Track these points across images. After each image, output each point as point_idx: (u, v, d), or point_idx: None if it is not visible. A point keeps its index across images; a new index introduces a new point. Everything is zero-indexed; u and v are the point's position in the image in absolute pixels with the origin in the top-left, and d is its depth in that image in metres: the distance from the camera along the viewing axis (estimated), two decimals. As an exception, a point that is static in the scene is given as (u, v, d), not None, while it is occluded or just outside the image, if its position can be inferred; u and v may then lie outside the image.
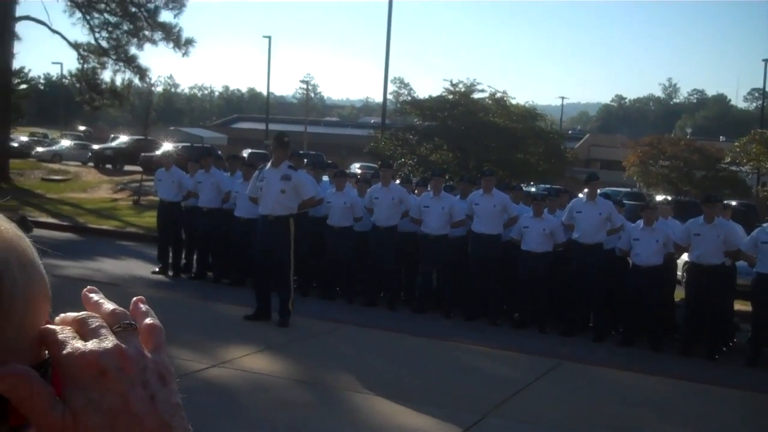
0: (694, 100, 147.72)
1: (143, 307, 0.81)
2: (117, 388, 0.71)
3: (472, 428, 6.48)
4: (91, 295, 0.80)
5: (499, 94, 30.14)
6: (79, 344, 0.72)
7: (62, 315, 0.77)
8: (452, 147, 28.78)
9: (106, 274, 12.79)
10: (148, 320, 0.79)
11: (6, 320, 0.69)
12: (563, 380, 8.55)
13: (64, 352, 0.72)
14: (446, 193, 12.41)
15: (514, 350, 9.71)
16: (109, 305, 0.78)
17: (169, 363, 0.76)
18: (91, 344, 0.72)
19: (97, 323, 0.75)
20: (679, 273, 13.05)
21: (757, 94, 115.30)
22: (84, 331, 0.74)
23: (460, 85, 29.99)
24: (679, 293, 11.96)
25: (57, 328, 0.74)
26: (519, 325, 11.80)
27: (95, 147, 39.61)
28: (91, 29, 29.07)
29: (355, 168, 35.95)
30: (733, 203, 20.03)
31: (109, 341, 0.73)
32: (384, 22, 37.59)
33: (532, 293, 11.69)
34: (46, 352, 0.73)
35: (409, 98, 38.29)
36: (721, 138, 63.60)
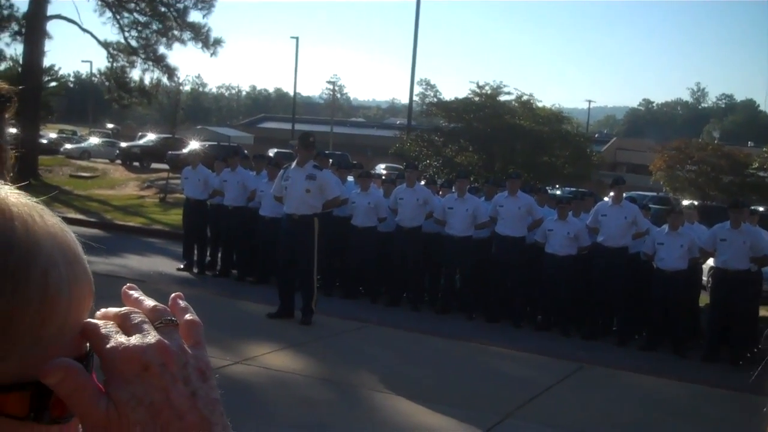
0: (723, 105, 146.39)
1: (182, 303, 0.81)
2: (160, 383, 0.71)
3: (493, 429, 6.48)
4: (131, 292, 0.81)
5: (525, 97, 30.07)
6: (122, 339, 0.73)
7: (103, 310, 0.77)
8: (478, 149, 28.75)
9: (132, 270, 12.91)
10: (187, 316, 0.80)
11: (50, 317, 0.70)
12: (585, 383, 8.53)
13: (108, 346, 0.72)
14: (471, 195, 12.42)
15: (536, 352, 9.69)
16: (149, 302, 0.79)
17: (209, 359, 0.77)
18: (135, 339, 0.73)
19: (139, 319, 0.75)
20: (704, 278, 12.97)
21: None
22: (126, 326, 0.74)
23: (487, 88, 29.95)
24: (704, 298, 11.88)
25: (100, 322, 0.75)
26: (542, 328, 11.78)
27: (123, 145, 39.92)
28: (121, 28, 29.35)
29: (380, 169, 35.99)
30: (761, 209, 19.86)
31: (151, 337, 0.73)
32: (411, 23, 37.61)
33: (555, 296, 11.66)
34: (87, 346, 0.74)
35: (435, 100, 38.35)
36: (750, 143, 62.93)
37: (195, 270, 13.67)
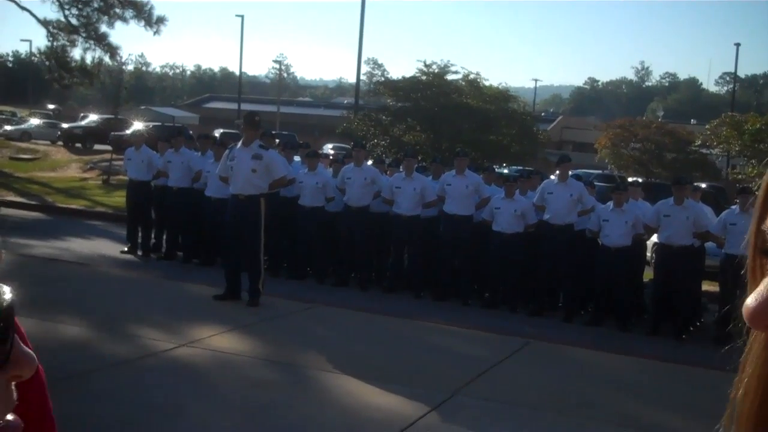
0: (666, 84, 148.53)
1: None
2: None
3: (441, 406, 6.49)
4: None
5: (472, 76, 30.15)
6: None
7: None
8: (425, 128, 28.78)
9: (74, 254, 12.67)
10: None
11: None
12: (532, 359, 8.59)
13: None
14: (418, 174, 12.41)
15: (483, 330, 9.74)
16: None
17: None
18: None
19: None
20: (648, 254, 13.16)
21: (728, 78, 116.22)
22: None
23: (434, 66, 29.94)
24: (648, 274, 12.06)
25: None
26: (489, 305, 11.85)
27: (64, 126, 39.20)
28: (61, 6, 28.69)
29: (328, 149, 35.85)
30: (703, 186, 20.21)
31: None
32: (358, 2, 37.38)
33: (502, 273, 11.73)
34: None
35: (383, 79, 38.28)
36: (692, 121, 64.02)
37: (139, 252, 13.48)
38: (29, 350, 0.72)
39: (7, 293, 0.69)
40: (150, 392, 6.39)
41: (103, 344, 7.52)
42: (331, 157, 15.89)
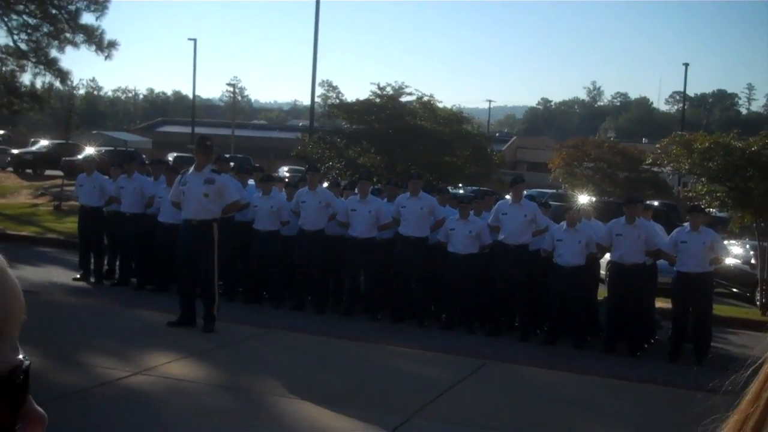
0: (618, 103, 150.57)
1: None
2: None
3: (398, 429, 6.47)
4: None
5: (426, 98, 30.29)
6: None
7: None
8: (380, 150, 28.81)
9: (26, 282, 12.43)
10: None
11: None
12: (489, 380, 8.62)
13: None
14: (373, 197, 12.43)
15: (440, 351, 9.75)
16: None
17: None
18: None
19: None
20: (602, 272, 13.30)
21: (678, 97, 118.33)
22: None
23: (388, 89, 30.04)
24: (602, 292, 12.18)
25: None
26: (446, 326, 11.87)
27: (14, 151, 38.65)
28: (10, 31, 28.29)
29: (283, 171, 35.77)
30: (656, 203, 20.54)
31: None
32: (312, 23, 37.47)
33: (458, 295, 11.77)
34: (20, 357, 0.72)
35: (337, 101, 38.35)
36: (644, 140, 65.02)
37: (92, 279, 13.30)
38: (41, 409, 0.74)
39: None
40: (104, 422, 6.30)
41: (56, 374, 7.38)
42: (286, 180, 15.85)
